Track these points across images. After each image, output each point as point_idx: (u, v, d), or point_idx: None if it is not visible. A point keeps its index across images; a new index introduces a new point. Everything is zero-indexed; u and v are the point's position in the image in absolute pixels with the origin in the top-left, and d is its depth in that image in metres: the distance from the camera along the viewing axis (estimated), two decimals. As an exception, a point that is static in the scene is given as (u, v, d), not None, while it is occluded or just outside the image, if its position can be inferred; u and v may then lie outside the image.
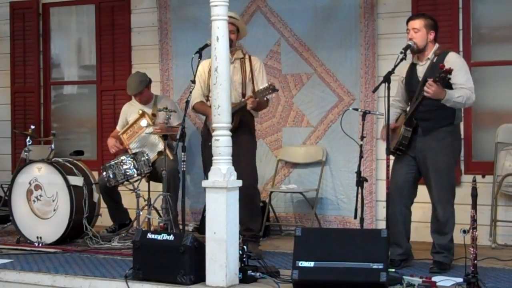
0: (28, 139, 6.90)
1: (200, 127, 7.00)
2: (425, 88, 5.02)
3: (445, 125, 5.28)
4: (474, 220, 4.59)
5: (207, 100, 6.12)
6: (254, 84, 6.00)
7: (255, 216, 5.95)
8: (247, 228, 5.73)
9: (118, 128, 7.13)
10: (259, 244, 6.24)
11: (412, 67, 5.41)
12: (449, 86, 5.15)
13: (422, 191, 5.45)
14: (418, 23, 5.30)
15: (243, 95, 6.01)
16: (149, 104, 7.00)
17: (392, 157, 5.28)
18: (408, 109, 5.46)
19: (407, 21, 5.40)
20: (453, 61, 5.22)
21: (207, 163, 6.05)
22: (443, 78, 4.97)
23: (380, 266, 4.54)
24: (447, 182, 5.29)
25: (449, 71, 4.96)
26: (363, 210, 5.49)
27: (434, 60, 5.27)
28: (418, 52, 5.33)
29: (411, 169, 5.37)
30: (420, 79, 5.28)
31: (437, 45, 5.37)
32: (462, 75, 5.19)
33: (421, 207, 5.59)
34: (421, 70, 5.34)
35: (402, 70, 5.47)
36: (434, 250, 5.35)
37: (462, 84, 5.16)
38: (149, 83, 7.01)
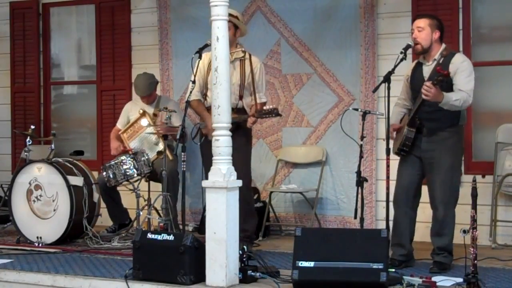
0: (28, 139, 6.90)
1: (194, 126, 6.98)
2: (423, 91, 5.01)
3: (450, 126, 5.28)
4: (474, 220, 4.59)
5: (204, 98, 6.13)
6: (254, 89, 6.00)
7: (249, 216, 5.94)
8: (242, 229, 5.72)
9: (118, 125, 7.14)
10: (255, 245, 6.24)
11: (418, 66, 5.41)
12: (450, 87, 5.15)
13: (423, 191, 5.45)
14: (423, 22, 5.28)
15: (240, 97, 6.02)
16: (152, 104, 7.01)
17: (391, 158, 5.27)
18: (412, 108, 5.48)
19: (413, 21, 5.39)
20: (459, 63, 5.21)
21: (205, 161, 6.09)
22: (441, 81, 4.97)
23: (380, 266, 4.54)
24: (451, 183, 5.29)
25: (447, 75, 4.96)
26: (363, 210, 5.49)
27: (440, 61, 5.25)
28: (424, 52, 5.31)
29: (416, 170, 5.37)
30: (426, 79, 5.25)
31: (444, 46, 5.35)
32: (463, 77, 5.17)
33: (422, 207, 5.58)
34: (427, 70, 5.32)
35: (409, 68, 5.46)
36: (433, 252, 5.35)
37: (461, 87, 5.15)
38: (156, 85, 7.03)
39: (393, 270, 4.75)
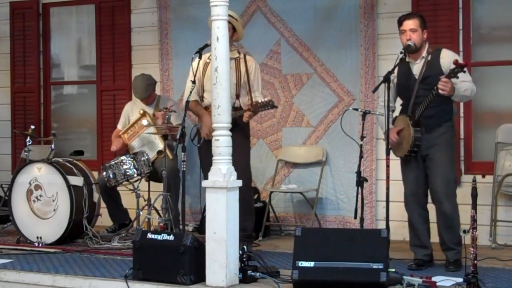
0: (28, 139, 6.90)
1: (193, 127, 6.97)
2: (441, 86, 5.06)
3: (446, 121, 5.36)
4: (474, 220, 4.59)
5: (201, 100, 6.14)
6: (250, 88, 6.02)
7: (248, 215, 5.93)
8: (241, 228, 5.70)
9: (119, 126, 7.14)
10: (254, 245, 6.22)
11: (406, 66, 5.41)
12: (439, 75, 5.20)
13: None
14: (414, 23, 5.33)
15: (237, 96, 6.03)
16: (152, 104, 7.00)
17: (391, 158, 5.26)
18: (396, 111, 5.51)
19: (401, 21, 5.40)
20: (450, 57, 5.27)
21: (203, 163, 6.09)
22: (457, 73, 5.00)
23: (380, 266, 4.54)
24: (452, 176, 5.36)
25: (464, 65, 5.01)
26: (363, 210, 5.49)
27: (429, 58, 5.33)
28: (416, 52, 5.35)
29: (421, 170, 5.40)
30: (417, 77, 5.33)
31: (427, 43, 5.42)
32: None
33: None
34: (416, 68, 5.37)
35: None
36: (445, 246, 5.35)
37: (463, 78, 5.19)
38: (155, 85, 7.02)
39: (393, 270, 4.74)
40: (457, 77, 5.06)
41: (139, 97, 6.96)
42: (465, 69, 5.23)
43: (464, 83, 5.20)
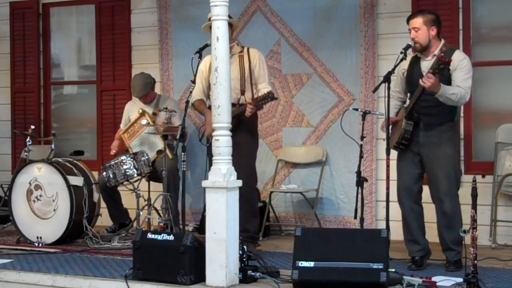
0: (28, 139, 6.91)
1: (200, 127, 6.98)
2: (423, 79, 5.04)
3: (447, 121, 5.31)
4: (474, 220, 4.59)
5: (208, 98, 6.13)
6: (253, 82, 5.99)
7: (252, 217, 5.93)
8: (243, 229, 5.70)
9: (122, 126, 7.16)
10: (257, 245, 6.22)
11: (416, 61, 5.40)
12: (449, 82, 5.16)
13: (425, 190, 5.45)
14: (417, 22, 5.29)
15: (242, 92, 6.00)
16: (151, 103, 7.01)
17: (391, 158, 5.26)
18: (407, 102, 5.47)
19: (407, 20, 5.39)
20: (459, 60, 5.21)
21: (211, 162, 6.08)
22: (442, 69, 4.98)
23: (380, 266, 4.54)
24: (454, 174, 5.31)
25: (448, 63, 4.97)
26: (363, 210, 5.49)
27: None
28: (423, 50, 5.32)
29: (416, 165, 5.38)
30: (424, 74, 5.25)
31: (443, 41, 5.36)
32: (462, 74, 5.19)
33: (424, 207, 5.57)
34: (426, 65, 5.32)
35: (404, 62, 5.45)
36: (445, 247, 5.33)
37: (459, 83, 5.17)
38: (153, 84, 7.03)
39: (393, 270, 4.74)
40: (437, 73, 4.99)
41: (136, 95, 6.98)
42: (468, 76, 5.20)
43: (457, 88, 5.15)
